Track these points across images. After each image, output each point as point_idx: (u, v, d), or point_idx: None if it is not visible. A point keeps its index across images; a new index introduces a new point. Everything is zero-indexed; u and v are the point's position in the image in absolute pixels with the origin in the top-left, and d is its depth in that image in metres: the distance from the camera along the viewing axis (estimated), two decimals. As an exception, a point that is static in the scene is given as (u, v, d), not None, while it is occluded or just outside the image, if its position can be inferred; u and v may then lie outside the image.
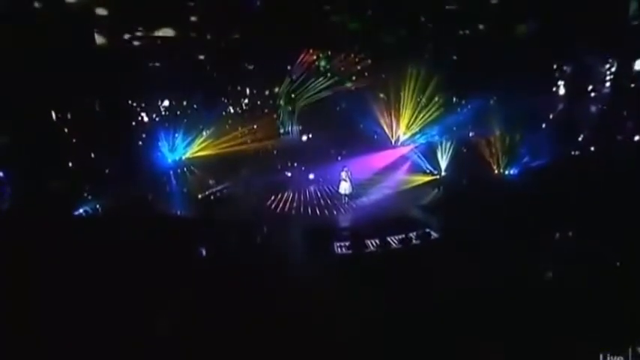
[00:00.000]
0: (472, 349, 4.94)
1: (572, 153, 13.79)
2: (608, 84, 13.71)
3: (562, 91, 14.10)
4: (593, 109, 13.80)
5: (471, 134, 14.65)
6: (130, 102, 13.44)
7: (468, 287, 6.78)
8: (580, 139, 13.79)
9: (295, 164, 14.87)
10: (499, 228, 8.91)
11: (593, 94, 13.78)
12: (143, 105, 13.83)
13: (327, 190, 14.20)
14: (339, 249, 9.32)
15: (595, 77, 13.82)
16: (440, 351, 5.15)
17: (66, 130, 12.18)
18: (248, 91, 14.89)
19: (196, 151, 14.37)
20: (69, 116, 12.20)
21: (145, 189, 12.57)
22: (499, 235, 8.59)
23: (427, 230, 9.72)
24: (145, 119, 13.93)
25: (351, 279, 7.80)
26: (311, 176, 14.75)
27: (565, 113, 13.91)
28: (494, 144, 14.00)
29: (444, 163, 14.20)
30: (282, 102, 14.99)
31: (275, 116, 15.09)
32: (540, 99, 13.96)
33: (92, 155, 12.43)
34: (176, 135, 14.10)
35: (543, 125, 14.37)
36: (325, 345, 5.52)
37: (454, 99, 14.78)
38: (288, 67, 14.54)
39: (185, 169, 14.33)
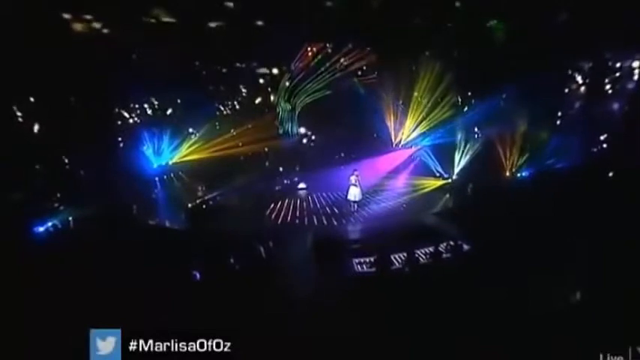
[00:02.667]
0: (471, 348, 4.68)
1: (595, 153, 12.82)
2: (631, 81, 12.84)
3: (584, 89, 13.17)
4: (616, 107, 12.88)
5: (486, 134, 13.53)
6: (109, 98, 11.93)
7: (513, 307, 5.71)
8: (605, 139, 12.84)
9: (297, 168, 13.79)
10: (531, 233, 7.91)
11: (616, 93, 12.86)
12: (124, 102, 12.45)
13: (332, 197, 13.03)
14: (358, 267, 8.02)
15: (617, 75, 12.95)
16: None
17: (33, 128, 10.78)
18: (243, 87, 13.70)
19: (185, 155, 13.15)
20: (36, 113, 10.76)
21: (126, 198, 11.31)
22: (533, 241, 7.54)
23: (458, 242, 8.41)
24: (127, 118, 12.57)
25: (377, 303, 6.36)
26: (315, 182, 13.60)
27: (588, 113, 12.94)
28: (513, 144, 12.94)
29: (460, 164, 13.14)
30: (281, 99, 13.81)
31: (273, 115, 13.92)
32: (559, 98, 13.09)
33: (64, 158, 11.05)
34: (162, 136, 12.85)
35: (557, 125, 13.44)
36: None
37: (468, 97, 13.75)
38: (288, 62, 13.48)
39: (172, 175, 13.14)
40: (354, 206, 11.88)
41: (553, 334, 4.76)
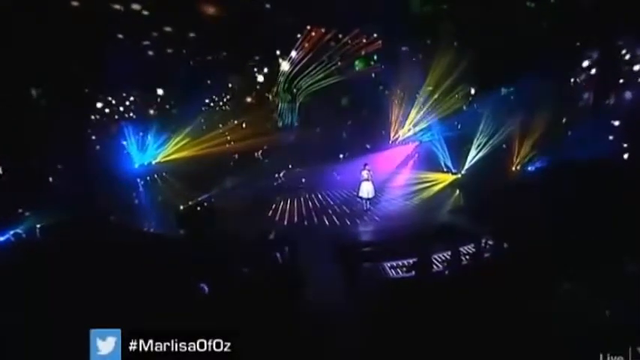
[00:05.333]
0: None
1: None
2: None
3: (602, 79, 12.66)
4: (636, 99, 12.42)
5: (498, 127, 12.80)
6: (85, 89, 11.12)
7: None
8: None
9: (299, 164, 13.03)
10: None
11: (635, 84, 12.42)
12: (103, 93, 11.56)
13: (341, 194, 12.18)
14: (392, 271, 7.02)
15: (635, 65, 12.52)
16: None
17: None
18: (238, 76, 12.88)
19: (172, 153, 12.09)
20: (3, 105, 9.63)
21: (104, 202, 10.44)
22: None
23: (499, 240, 7.44)
24: (106, 111, 11.54)
25: (420, 314, 5.37)
26: (318, 179, 12.79)
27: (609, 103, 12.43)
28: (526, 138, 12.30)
29: (475, 158, 12.36)
30: (280, 90, 13.01)
31: (272, 107, 13.21)
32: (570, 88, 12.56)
33: (34, 157, 10.06)
34: (146, 132, 12.00)
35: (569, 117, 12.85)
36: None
37: (478, 88, 13.10)
38: (288, 48, 12.69)
39: (156, 175, 12.30)
40: (366, 204, 10.95)
41: (553, 334, 4.75)
